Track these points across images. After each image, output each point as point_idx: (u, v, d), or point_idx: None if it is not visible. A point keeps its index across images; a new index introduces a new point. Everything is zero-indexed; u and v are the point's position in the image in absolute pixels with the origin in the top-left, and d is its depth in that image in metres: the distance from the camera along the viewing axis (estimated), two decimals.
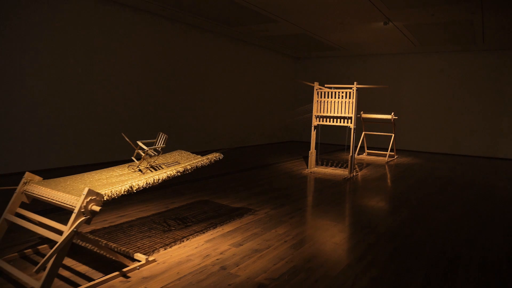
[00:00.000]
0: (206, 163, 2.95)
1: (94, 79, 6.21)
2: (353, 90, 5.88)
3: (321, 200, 4.47)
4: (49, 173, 5.09)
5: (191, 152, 3.25)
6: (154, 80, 7.25)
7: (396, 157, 8.78)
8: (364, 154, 9.10)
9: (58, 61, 5.69)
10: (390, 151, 8.72)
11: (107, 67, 6.38)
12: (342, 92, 6.00)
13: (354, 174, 6.12)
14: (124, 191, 2.29)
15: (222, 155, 3.10)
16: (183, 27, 7.75)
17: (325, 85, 6.23)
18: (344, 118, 6.03)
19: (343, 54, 11.07)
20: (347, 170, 6.18)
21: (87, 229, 3.13)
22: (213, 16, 7.13)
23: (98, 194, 2.14)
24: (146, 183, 2.45)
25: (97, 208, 2.10)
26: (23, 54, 5.28)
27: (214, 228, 3.31)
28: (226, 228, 3.32)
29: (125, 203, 3.98)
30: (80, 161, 6.07)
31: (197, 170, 2.90)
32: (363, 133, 8.70)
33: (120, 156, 6.41)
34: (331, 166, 7.09)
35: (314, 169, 6.37)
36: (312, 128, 6.29)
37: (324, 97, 6.18)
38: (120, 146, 6.27)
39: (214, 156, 3.05)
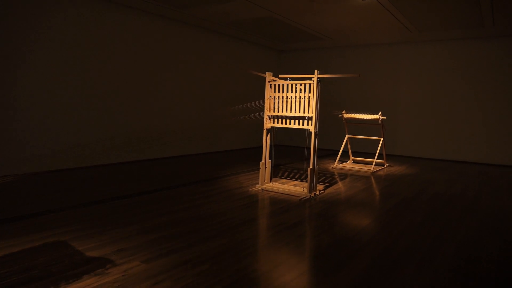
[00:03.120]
0: None
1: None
2: (313, 81, 4.43)
3: (239, 244, 3.03)
4: None
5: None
6: (94, 80, 5.92)
7: (387, 166, 7.25)
8: (349, 162, 7.60)
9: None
10: (378, 159, 7.22)
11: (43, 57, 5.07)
12: (301, 85, 4.55)
13: (317, 193, 4.65)
14: None
15: None
16: (127, 10, 6.40)
17: (280, 76, 4.79)
18: (302, 118, 4.58)
19: (330, 45, 9.57)
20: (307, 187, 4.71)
21: None
22: None
23: None
24: None
25: None
26: None
27: None
28: None
29: None
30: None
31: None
32: (347, 136, 7.21)
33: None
34: (296, 179, 5.63)
35: (267, 185, 4.93)
36: (264, 131, 4.85)
37: (279, 92, 4.74)
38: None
39: None
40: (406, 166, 7.40)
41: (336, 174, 6.26)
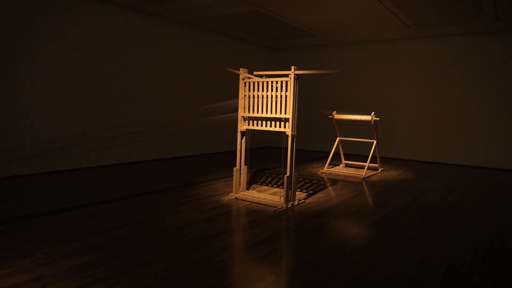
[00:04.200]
0: None
1: None
2: (290, 78, 3.97)
3: (186, 269, 2.58)
4: None
5: None
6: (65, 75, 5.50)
7: (381, 170, 6.76)
8: (341, 166, 7.12)
9: None
10: (372, 162, 6.74)
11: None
12: (277, 83, 4.09)
13: (295, 203, 4.18)
14: None
15: None
16: (103, 7, 5.97)
17: (254, 73, 4.34)
18: (278, 120, 4.12)
19: (324, 42, 9.09)
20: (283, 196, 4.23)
21: None
22: None
23: None
24: None
25: None
26: None
27: None
28: None
29: None
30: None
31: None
32: (338, 138, 6.73)
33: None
34: (279, 186, 5.17)
35: (242, 193, 4.46)
36: (238, 134, 4.39)
37: (253, 90, 4.28)
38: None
39: None
40: (402, 170, 6.90)
41: (324, 179, 5.78)
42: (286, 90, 4.00)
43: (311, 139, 9.62)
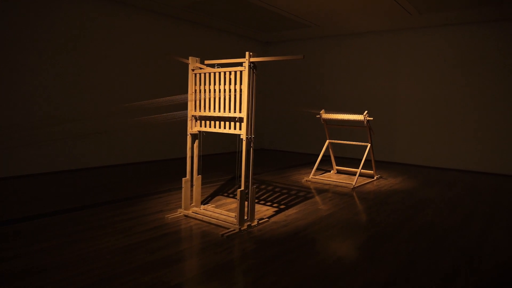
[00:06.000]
0: None
1: None
2: (244, 68, 3.15)
3: None
4: None
5: None
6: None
7: (377, 178, 5.87)
8: (332, 172, 6.26)
9: None
10: (367, 169, 5.87)
11: None
12: (230, 74, 3.28)
13: (253, 224, 3.36)
14: None
15: None
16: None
17: (205, 62, 3.53)
18: (231, 120, 3.31)
19: (319, 34, 8.21)
20: (238, 214, 3.40)
21: None
22: None
23: None
24: None
25: None
26: None
27: None
28: None
29: None
30: None
31: None
32: (327, 141, 5.87)
33: None
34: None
35: (194, 209, 3.66)
36: (188, 138, 3.60)
37: (205, 84, 3.48)
38: None
39: None
40: (402, 178, 5.99)
41: (306, 190, 4.94)
42: (241, 83, 3.18)
43: (302, 140, 8.76)
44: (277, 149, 9.38)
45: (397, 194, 4.85)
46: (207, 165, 6.47)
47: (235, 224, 3.20)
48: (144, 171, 5.97)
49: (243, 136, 3.15)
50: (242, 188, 3.18)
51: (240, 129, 3.21)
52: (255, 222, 3.34)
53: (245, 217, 3.30)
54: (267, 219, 3.51)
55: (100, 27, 5.94)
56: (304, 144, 8.78)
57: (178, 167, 6.40)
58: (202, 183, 5.03)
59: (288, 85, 9.09)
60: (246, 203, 3.29)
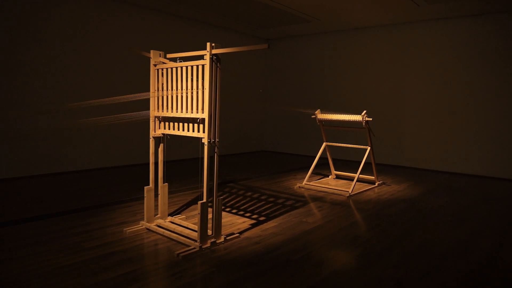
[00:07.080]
0: None
1: None
2: (206, 61, 2.72)
3: None
4: None
5: None
6: None
7: (379, 184, 5.34)
8: (331, 177, 5.76)
9: None
10: (364, 173, 5.37)
11: None
12: (192, 69, 2.86)
13: (219, 241, 2.92)
14: None
15: None
16: None
17: (167, 56, 3.12)
18: (192, 121, 2.88)
19: (321, 29, 7.71)
20: (199, 230, 2.97)
21: None
22: None
23: None
24: None
25: None
26: None
27: None
28: None
29: None
30: None
31: None
32: (324, 144, 5.39)
33: None
34: (230, 208, 3.93)
35: (158, 221, 3.26)
36: (151, 141, 3.20)
37: (167, 81, 3.07)
38: None
39: None
40: (407, 184, 5.45)
41: (296, 197, 4.48)
42: (203, 79, 2.76)
43: (305, 142, 8.26)
44: (278, 151, 8.91)
45: (398, 203, 4.33)
46: (189, 169, 6.07)
47: (196, 241, 2.78)
48: (117, 176, 5.62)
49: (205, 140, 2.72)
50: (204, 199, 2.76)
51: (202, 131, 2.78)
52: (221, 239, 2.90)
53: (210, 233, 2.87)
54: (237, 235, 3.07)
55: (99, 26, 5.63)
56: (307, 146, 8.28)
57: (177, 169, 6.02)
58: (181, 190, 4.64)
59: (290, 85, 8.61)
60: (210, 216, 2.87)
